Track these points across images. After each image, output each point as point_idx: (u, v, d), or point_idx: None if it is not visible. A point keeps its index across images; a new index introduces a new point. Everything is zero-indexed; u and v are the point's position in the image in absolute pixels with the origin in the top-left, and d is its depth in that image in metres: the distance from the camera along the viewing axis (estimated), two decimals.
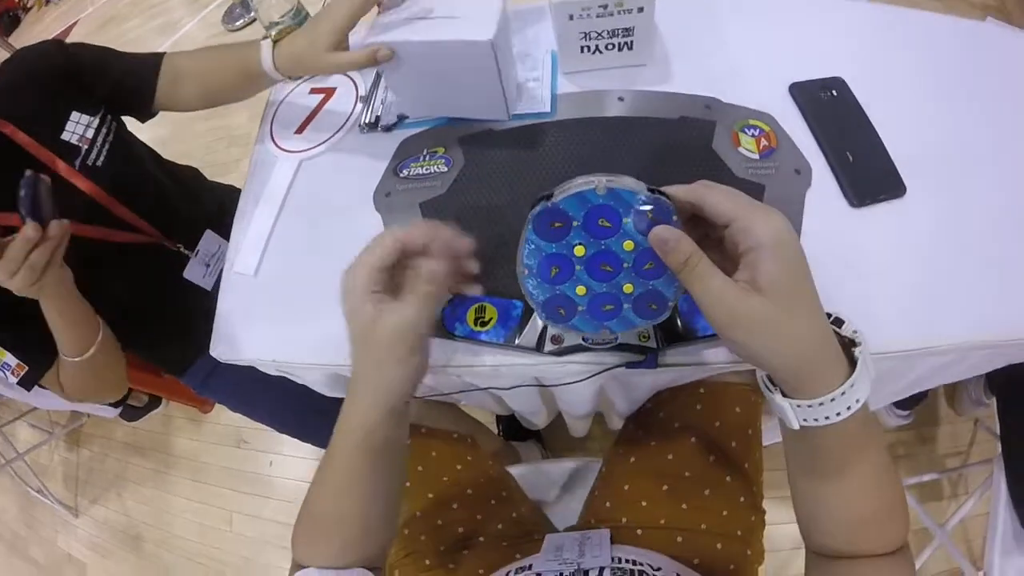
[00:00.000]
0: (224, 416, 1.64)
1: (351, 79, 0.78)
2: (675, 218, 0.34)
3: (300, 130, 0.76)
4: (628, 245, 0.35)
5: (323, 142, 0.72)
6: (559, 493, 0.77)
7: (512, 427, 1.26)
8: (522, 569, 0.57)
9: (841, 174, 0.58)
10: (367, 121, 0.71)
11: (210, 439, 1.65)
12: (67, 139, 0.66)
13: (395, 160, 0.66)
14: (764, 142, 0.60)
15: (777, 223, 0.32)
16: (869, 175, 0.58)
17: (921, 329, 0.50)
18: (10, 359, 0.66)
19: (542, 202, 0.35)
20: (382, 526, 0.46)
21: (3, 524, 1.84)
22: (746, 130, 0.61)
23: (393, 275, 0.41)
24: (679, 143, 0.59)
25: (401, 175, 0.64)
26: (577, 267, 0.36)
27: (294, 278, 0.65)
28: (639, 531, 0.64)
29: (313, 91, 0.79)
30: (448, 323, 0.53)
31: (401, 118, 0.69)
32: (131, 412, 1.70)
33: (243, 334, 0.64)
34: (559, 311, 0.39)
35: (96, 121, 0.68)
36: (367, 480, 0.42)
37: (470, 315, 0.52)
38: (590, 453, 1.19)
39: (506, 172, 0.60)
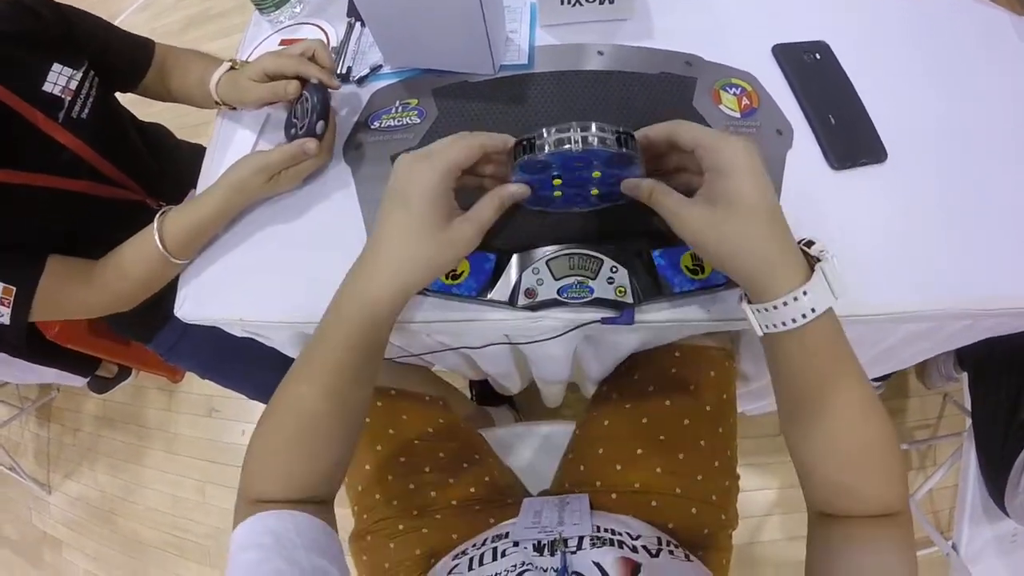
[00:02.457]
0: (195, 386, 1.62)
1: (323, 30, 0.75)
2: (638, 160, 0.42)
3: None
4: (596, 174, 0.44)
5: None
6: (532, 457, 0.76)
7: (485, 392, 1.25)
8: (499, 536, 0.56)
9: (823, 136, 0.57)
10: (339, 72, 0.68)
11: (181, 409, 1.63)
12: (49, 90, 0.63)
13: (366, 112, 0.63)
14: (745, 101, 0.59)
15: (731, 150, 0.37)
16: (851, 139, 0.57)
17: (897, 295, 0.50)
18: None
19: (527, 153, 0.41)
20: (347, 452, 0.46)
21: None
22: (727, 88, 0.59)
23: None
24: (659, 99, 0.58)
25: (372, 127, 0.61)
26: (555, 182, 0.45)
27: (259, 236, 0.62)
28: (613, 495, 0.64)
29: (283, 43, 0.76)
30: None
31: (374, 69, 0.66)
32: (100, 383, 1.66)
33: (208, 294, 0.62)
34: (539, 201, 0.48)
35: (79, 74, 0.65)
36: (349, 388, 0.43)
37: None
38: (565, 419, 1.20)
39: (480, 125, 0.58)
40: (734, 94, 0.59)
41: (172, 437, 1.61)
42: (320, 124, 0.56)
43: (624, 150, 0.40)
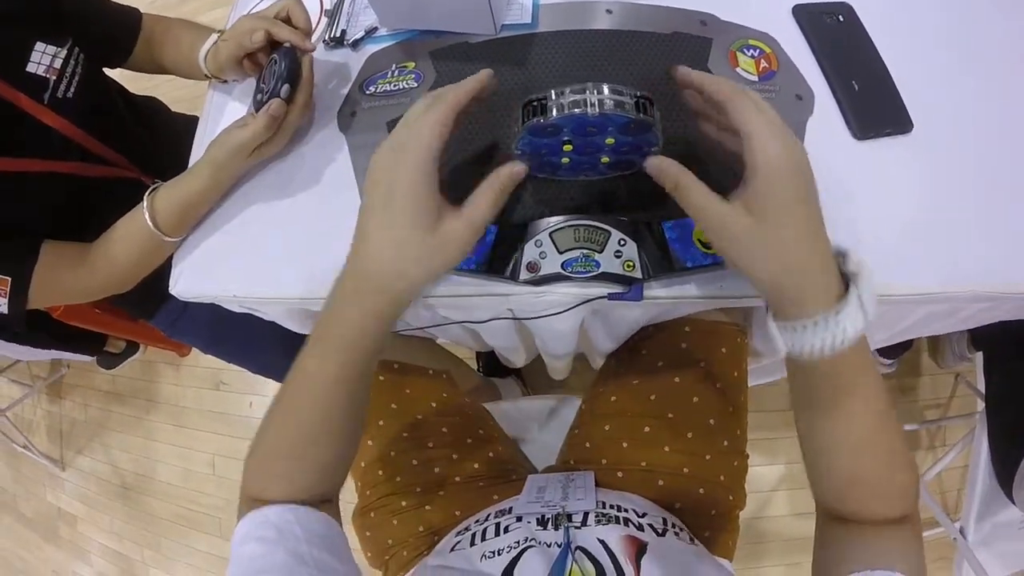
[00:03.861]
0: (202, 359, 1.63)
1: None
2: (656, 127, 0.39)
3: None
4: (609, 141, 0.41)
5: None
6: (537, 431, 0.75)
7: (492, 364, 1.25)
8: (503, 512, 0.56)
9: (845, 103, 0.54)
10: (332, 36, 0.64)
11: (189, 383, 1.64)
12: (33, 71, 0.60)
13: (361, 76, 0.60)
14: (764, 64, 0.55)
15: (786, 146, 0.33)
16: (875, 107, 0.54)
17: (919, 274, 0.48)
18: None
19: (535, 116, 0.38)
20: (349, 452, 0.45)
21: None
22: (745, 50, 0.56)
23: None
24: (672, 60, 0.53)
25: (367, 92, 0.59)
26: (565, 147, 0.42)
27: (253, 210, 0.60)
28: (620, 473, 0.63)
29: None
30: None
31: (369, 32, 0.63)
32: (109, 359, 1.67)
33: (202, 271, 0.60)
34: (544, 170, 0.46)
35: (64, 52, 0.63)
36: (345, 398, 0.40)
37: None
38: (572, 392, 1.19)
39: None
40: (752, 56, 0.55)
41: (181, 411, 1.63)
42: (285, 88, 0.52)
43: (642, 115, 0.37)
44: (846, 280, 0.34)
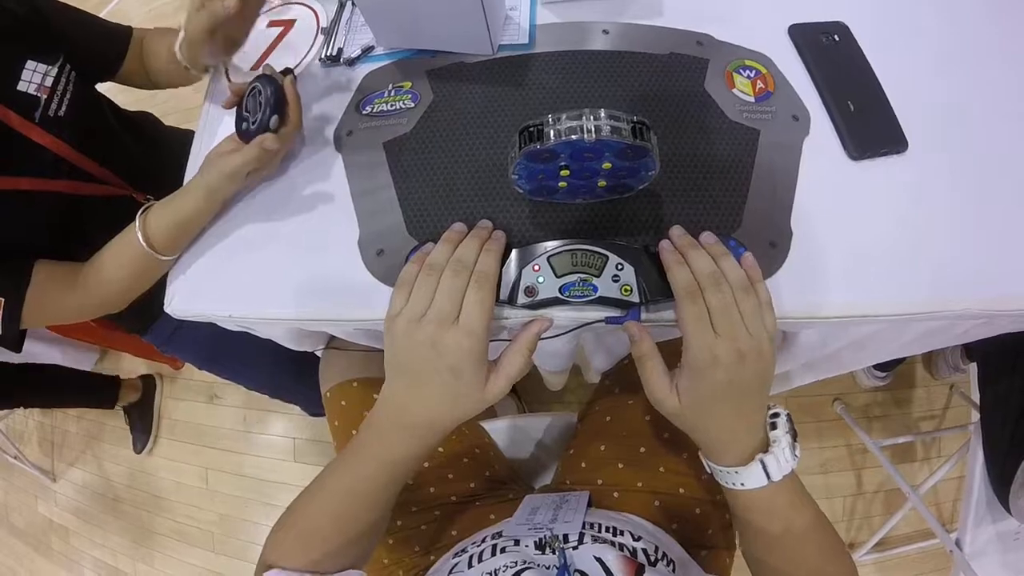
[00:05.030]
0: (196, 372, 1.60)
1: (312, 9, 0.71)
2: (652, 153, 0.40)
3: (256, 66, 0.69)
4: (607, 165, 0.41)
5: None
6: (534, 449, 0.75)
7: None
8: (499, 535, 0.55)
9: (841, 124, 0.54)
10: (329, 54, 0.64)
11: (183, 396, 1.63)
12: (24, 89, 0.60)
13: (357, 96, 0.60)
14: (760, 84, 0.55)
15: (701, 352, 0.39)
16: (870, 127, 0.54)
17: (916, 292, 0.48)
18: None
19: (532, 143, 0.39)
20: (377, 536, 0.49)
21: None
22: (741, 71, 0.56)
23: None
24: (668, 81, 0.54)
25: (364, 112, 0.58)
26: (562, 172, 0.43)
27: (249, 228, 0.60)
28: (616, 493, 0.63)
29: (271, 24, 0.72)
30: None
31: (365, 51, 0.63)
32: (139, 428, 1.59)
33: (197, 289, 0.59)
34: (541, 193, 0.47)
35: (55, 70, 0.63)
36: (379, 504, 0.46)
37: None
38: (568, 407, 1.19)
39: (478, 109, 0.55)
40: (748, 77, 0.55)
41: (174, 424, 1.61)
42: (274, 119, 0.53)
43: (639, 141, 0.38)
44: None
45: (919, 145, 0.53)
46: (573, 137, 0.37)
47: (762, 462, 0.41)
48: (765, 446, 0.42)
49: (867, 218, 0.50)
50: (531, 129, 0.39)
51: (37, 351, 1.48)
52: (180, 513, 1.53)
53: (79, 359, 1.67)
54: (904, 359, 1.22)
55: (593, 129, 0.37)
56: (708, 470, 0.45)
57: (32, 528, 1.71)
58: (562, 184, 0.44)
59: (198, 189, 0.55)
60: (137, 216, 0.57)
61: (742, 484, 0.42)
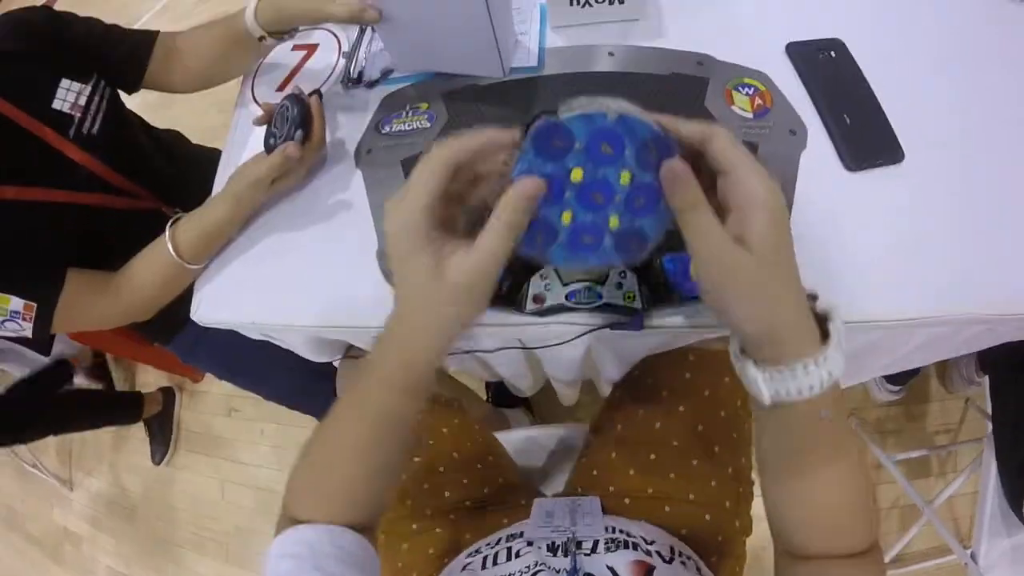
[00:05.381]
0: (214, 385, 1.64)
1: (334, 34, 0.75)
2: (679, 157, 0.32)
3: (281, 87, 0.74)
4: (625, 177, 0.33)
5: None
6: (546, 460, 0.76)
7: (501, 393, 1.25)
8: (513, 536, 0.56)
9: (838, 137, 0.56)
10: (350, 77, 0.68)
11: (201, 408, 1.66)
12: (59, 108, 0.64)
13: (377, 116, 0.64)
14: (759, 101, 0.58)
15: (774, 185, 0.31)
16: (866, 139, 0.56)
17: (915, 299, 0.49)
18: (15, 303, 0.60)
19: (544, 116, 0.32)
20: (389, 487, 0.44)
21: (1, 501, 1.84)
22: (740, 88, 0.58)
23: (447, 203, 0.34)
24: (670, 100, 0.57)
25: (383, 131, 0.62)
26: (568, 193, 0.33)
27: (273, 240, 0.63)
28: (626, 500, 0.63)
29: (295, 48, 0.77)
30: None
31: (385, 73, 0.67)
32: (156, 426, 1.62)
33: (223, 298, 0.63)
34: (536, 238, 0.35)
35: (88, 89, 0.66)
36: (387, 438, 0.39)
37: None
38: (580, 422, 1.19)
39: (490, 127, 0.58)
40: (747, 94, 0.58)
41: (191, 435, 1.63)
42: (299, 133, 0.57)
43: (666, 134, 0.32)
44: (817, 321, 0.34)
45: (916, 155, 0.54)
46: (592, 111, 0.31)
47: (837, 330, 0.32)
48: (820, 324, 0.33)
49: (865, 227, 0.52)
50: (540, 114, 0.32)
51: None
52: (195, 524, 1.54)
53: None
54: (917, 372, 1.21)
55: (616, 109, 0.31)
56: (769, 388, 0.33)
57: (47, 536, 1.73)
58: (566, 217, 0.34)
59: (225, 198, 0.59)
60: (167, 227, 0.61)
61: (828, 374, 0.32)
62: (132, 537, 1.61)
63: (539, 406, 1.31)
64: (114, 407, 1.55)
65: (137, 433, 1.70)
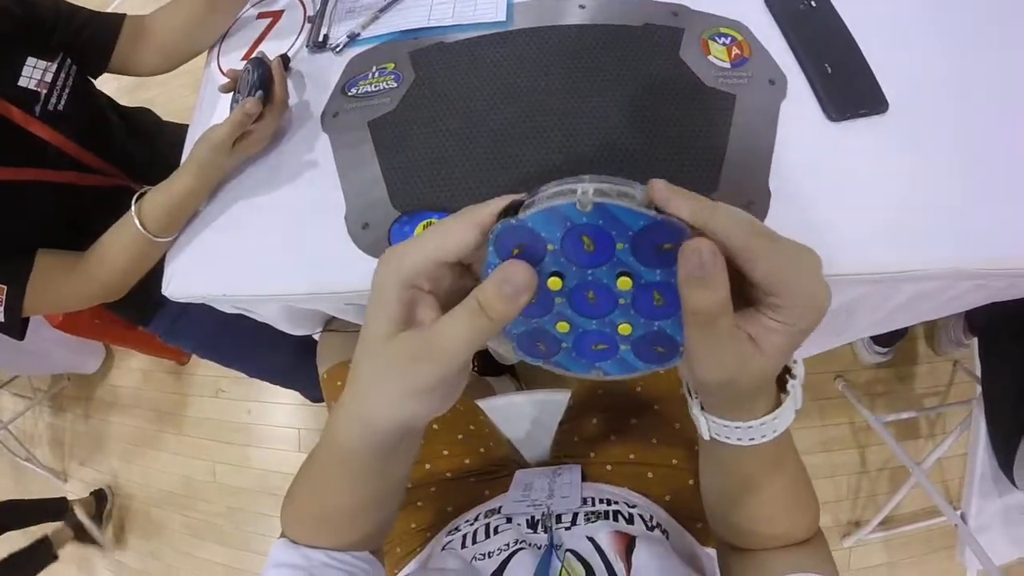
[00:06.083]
0: (201, 367, 1.64)
1: (300, 0, 0.72)
2: (701, 244, 0.24)
3: (247, 56, 0.71)
4: (624, 283, 0.25)
5: None
6: (529, 426, 0.76)
7: (486, 362, 1.25)
8: (492, 512, 0.56)
9: (819, 86, 0.55)
10: (315, 41, 0.66)
11: (188, 391, 1.65)
12: (24, 85, 0.62)
13: (343, 78, 0.62)
14: (736, 51, 0.56)
15: (822, 296, 0.25)
16: (849, 89, 0.54)
17: (901, 252, 0.48)
18: None
19: (506, 217, 0.25)
20: (382, 514, 0.39)
21: None
22: (716, 38, 0.57)
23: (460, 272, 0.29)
24: (644, 51, 0.55)
25: (349, 93, 0.60)
26: (557, 300, 0.27)
27: (241, 210, 0.61)
28: (608, 467, 0.63)
29: (260, 15, 0.74)
30: (395, 241, 0.50)
31: (351, 37, 0.65)
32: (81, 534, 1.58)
33: (193, 271, 0.61)
34: (538, 346, 0.29)
35: (54, 66, 0.65)
36: (366, 479, 0.34)
37: (419, 232, 0.49)
38: (568, 385, 1.19)
39: (457, 85, 0.56)
40: (724, 44, 0.56)
41: (181, 419, 1.63)
42: (259, 93, 0.56)
43: (663, 215, 0.23)
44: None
45: (901, 105, 0.53)
46: (558, 202, 0.23)
47: (795, 392, 0.31)
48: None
49: (848, 178, 0.51)
50: (512, 207, 0.26)
51: (44, 352, 1.52)
52: (189, 508, 1.55)
53: (85, 361, 1.71)
54: (905, 334, 1.21)
55: (590, 192, 0.23)
56: (715, 432, 0.32)
57: (44, 529, 1.74)
58: (562, 327, 0.28)
59: (189, 166, 0.58)
60: (133, 201, 0.59)
61: (774, 432, 0.31)
62: (128, 524, 1.62)
63: (525, 373, 1.30)
64: (39, 510, 1.54)
65: (127, 420, 1.70)
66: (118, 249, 0.63)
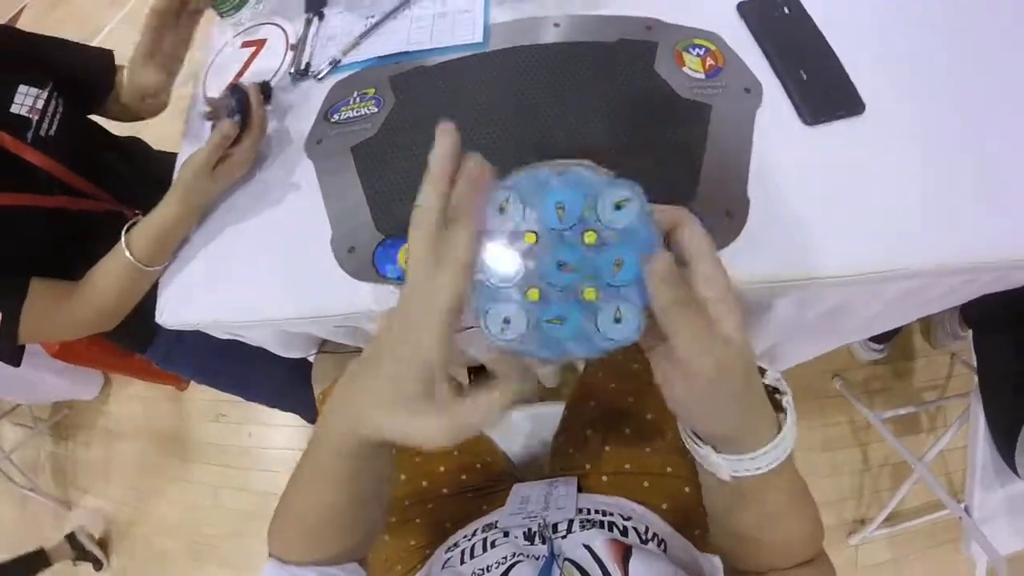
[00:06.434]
0: (200, 393, 1.64)
1: (281, 28, 0.74)
2: (645, 208, 0.28)
3: (231, 86, 0.72)
4: (590, 236, 0.28)
5: None
6: (525, 440, 0.76)
7: (483, 373, 1.25)
8: (490, 526, 0.56)
9: (795, 92, 0.56)
10: (298, 69, 0.67)
11: (188, 416, 1.65)
12: (16, 111, 0.63)
13: (326, 105, 0.63)
14: (710, 61, 0.57)
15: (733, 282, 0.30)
16: (824, 93, 0.55)
17: (884, 252, 0.48)
18: None
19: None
20: (367, 523, 0.41)
21: (1, 528, 1.83)
22: (691, 49, 0.57)
23: None
24: (619, 66, 0.56)
25: (332, 120, 0.61)
26: (528, 264, 0.29)
27: (229, 237, 0.62)
28: (604, 477, 0.63)
29: (244, 44, 0.75)
30: (379, 264, 0.50)
31: (333, 63, 0.65)
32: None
33: (185, 299, 0.62)
34: (503, 321, 0.30)
35: (45, 93, 0.66)
36: (350, 487, 0.36)
37: (402, 255, 0.50)
38: (563, 398, 1.19)
39: (439, 108, 0.57)
40: (698, 55, 0.57)
41: (181, 444, 1.63)
42: (237, 117, 0.57)
43: (631, 185, 0.28)
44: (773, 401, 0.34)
45: (877, 106, 0.54)
46: (531, 172, 0.28)
47: (790, 407, 0.33)
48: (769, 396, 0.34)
49: (829, 181, 0.51)
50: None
51: (43, 380, 1.52)
52: (192, 531, 1.54)
53: (83, 388, 1.70)
54: (899, 330, 1.21)
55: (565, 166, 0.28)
56: (728, 468, 0.33)
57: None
58: (531, 294, 0.29)
59: (174, 193, 0.59)
60: (123, 232, 0.60)
61: (785, 451, 0.32)
62: (132, 551, 1.61)
63: None
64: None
65: (129, 446, 1.69)
66: (110, 279, 0.63)
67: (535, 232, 0.28)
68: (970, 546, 0.89)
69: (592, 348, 0.30)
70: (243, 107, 0.58)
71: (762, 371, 0.34)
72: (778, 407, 0.33)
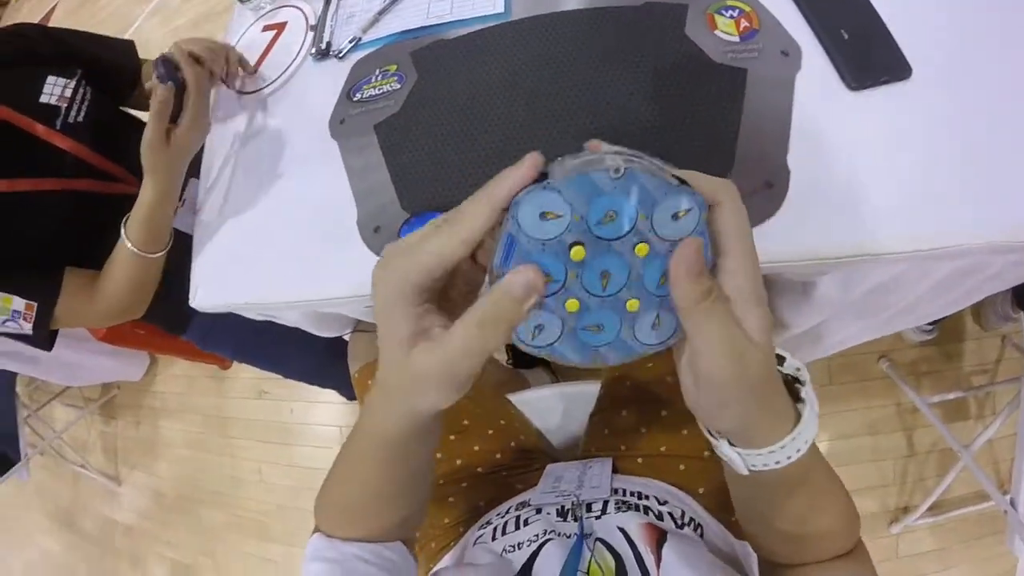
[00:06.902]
0: (243, 371, 1.69)
1: (300, 10, 0.74)
2: (704, 217, 0.26)
3: (254, 70, 0.73)
4: (642, 249, 0.25)
5: (277, 78, 0.70)
6: (560, 419, 0.75)
7: (520, 354, 1.25)
8: (523, 504, 0.56)
9: (836, 55, 0.52)
10: (319, 49, 0.67)
11: (232, 394, 1.71)
12: (45, 101, 0.66)
13: (348, 84, 0.62)
14: (744, 23, 0.54)
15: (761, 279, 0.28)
16: (868, 55, 0.51)
17: (931, 228, 0.45)
18: (17, 303, 0.62)
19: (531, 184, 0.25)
20: (411, 504, 0.41)
21: (53, 503, 1.96)
22: (723, 11, 0.54)
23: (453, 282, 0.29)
24: (647, 31, 0.53)
25: (354, 99, 0.60)
26: (571, 273, 0.26)
27: (259, 219, 0.63)
28: (640, 459, 0.62)
29: (266, 28, 0.76)
30: None
31: (353, 41, 0.65)
32: None
33: (217, 282, 0.63)
34: (535, 328, 0.28)
35: (73, 83, 0.69)
36: (393, 472, 0.36)
37: None
38: (599, 376, 1.18)
39: (461, 81, 0.56)
40: (731, 16, 0.54)
41: (226, 421, 1.70)
42: (169, 83, 0.57)
43: (685, 187, 0.25)
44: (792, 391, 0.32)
45: (924, 70, 0.49)
46: (591, 171, 0.24)
47: (809, 399, 0.32)
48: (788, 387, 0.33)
49: (872, 150, 0.48)
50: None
51: (92, 363, 1.59)
52: (237, 506, 1.61)
53: (130, 369, 1.79)
54: None
55: (620, 160, 0.24)
56: (750, 463, 0.32)
57: (101, 530, 1.84)
58: (571, 304, 0.27)
59: (146, 176, 0.60)
60: (122, 224, 0.63)
61: (805, 443, 0.31)
62: (178, 524, 1.70)
63: (558, 366, 1.29)
64: None
65: (175, 424, 1.77)
66: (120, 271, 0.67)
67: (582, 244, 0.25)
68: (1014, 541, 0.85)
69: (626, 353, 0.29)
70: (172, 72, 0.58)
71: (780, 359, 0.33)
72: (797, 397, 0.31)
